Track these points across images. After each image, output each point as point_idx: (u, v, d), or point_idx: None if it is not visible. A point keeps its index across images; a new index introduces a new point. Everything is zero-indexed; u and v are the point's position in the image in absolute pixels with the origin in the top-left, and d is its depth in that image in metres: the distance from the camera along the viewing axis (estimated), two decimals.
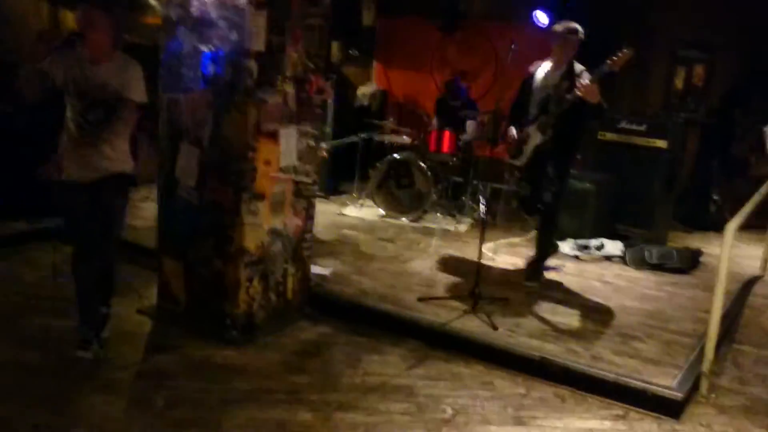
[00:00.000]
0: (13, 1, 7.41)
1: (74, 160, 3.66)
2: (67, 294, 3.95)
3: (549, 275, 5.43)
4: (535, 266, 5.31)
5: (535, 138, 5.02)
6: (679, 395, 3.59)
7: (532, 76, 5.14)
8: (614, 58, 4.62)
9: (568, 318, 4.57)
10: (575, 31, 4.92)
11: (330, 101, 7.96)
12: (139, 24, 9.12)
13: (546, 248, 5.38)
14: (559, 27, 4.98)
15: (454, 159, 7.07)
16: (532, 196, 5.16)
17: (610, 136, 6.78)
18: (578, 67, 4.93)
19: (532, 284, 5.18)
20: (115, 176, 3.72)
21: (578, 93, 4.66)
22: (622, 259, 6.04)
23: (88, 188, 3.68)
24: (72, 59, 3.57)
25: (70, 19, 9.05)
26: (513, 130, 5.18)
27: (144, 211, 6.31)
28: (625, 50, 4.60)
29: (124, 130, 3.72)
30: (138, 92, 3.68)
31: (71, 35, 3.63)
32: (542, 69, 5.10)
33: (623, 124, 6.74)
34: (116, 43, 3.69)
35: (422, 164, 6.79)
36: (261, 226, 4.05)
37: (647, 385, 3.64)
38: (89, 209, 3.72)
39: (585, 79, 4.70)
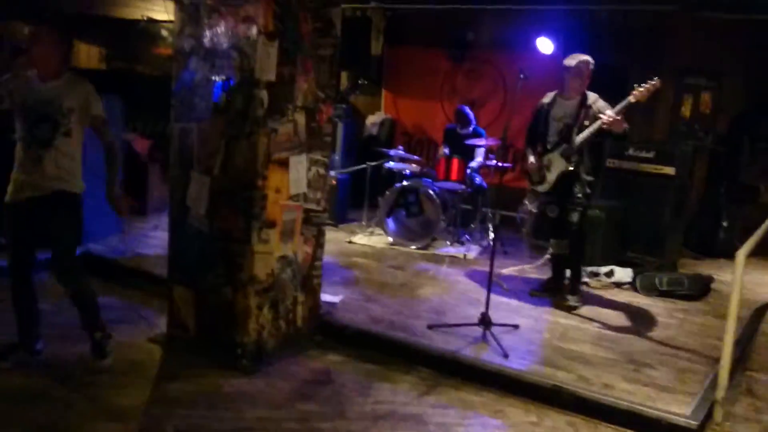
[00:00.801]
0: None
1: (19, 182, 3.71)
2: (73, 320, 3.96)
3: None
4: (575, 284, 5.44)
5: (560, 165, 5.19)
6: (693, 423, 3.55)
7: (545, 105, 5.32)
8: (640, 89, 4.82)
9: (579, 345, 4.54)
10: (588, 63, 5.12)
11: (339, 130, 8.04)
12: (152, 55, 9.29)
13: (579, 265, 5.49)
14: (572, 60, 5.14)
15: (463, 186, 7.10)
16: (559, 218, 5.31)
17: (618, 163, 6.80)
18: (591, 95, 5.15)
19: (574, 299, 5.32)
20: (58, 194, 3.72)
21: (603, 126, 4.88)
22: (633, 286, 6.01)
23: (30, 207, 3.71)
24: (22, 79, 3.70)
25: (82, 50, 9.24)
26: (533, 159, 5.34)
27: (154, 239, 6.35)
28: (651, 82, 4.80)
29: (71, 148, 3.74)
30: (99, 107, 3.80)
31: (12, 49, 3.78)
32: (556, 99, 5.29)
33: (631, 152, 6.77)
34: (65, 62, 3.77)
35: (431, 192, 6.82)
36: (271, 253, 4.06)
37: (661, 414, 3.61)
38: (30, 229, 3.75)
39: (608, 110, 4.89)
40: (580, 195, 5.18)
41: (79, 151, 3.80)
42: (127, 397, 3.62)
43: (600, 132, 4.98)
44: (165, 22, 8.79)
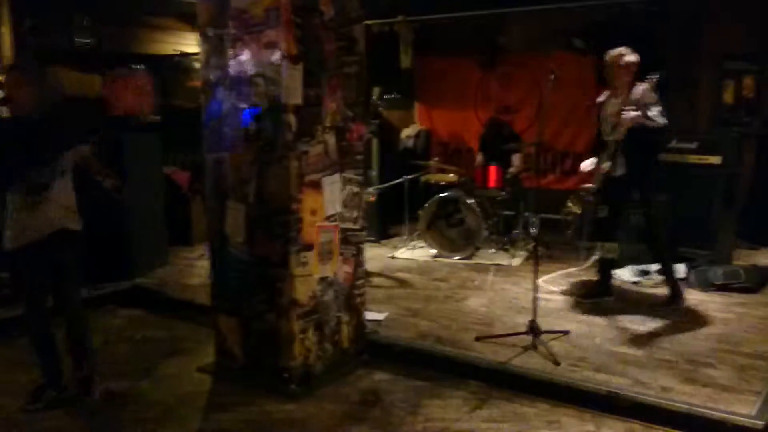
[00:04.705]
0: None
1: (19, 228, 3.71)
2: (125, 357, 4.01)
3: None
4: (671, 283, 5.32)
5: (605, 165, 5.09)
6: (759, 423, 3.38)
7: (601, 105, 5.22)
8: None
9: (633, 348, 4.40)
10: (618, 56, 4.97)
11: (374, 146, 8.03)
12: (186, 88, 9.43)
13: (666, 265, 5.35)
14: (606, 56, 5.03)
15: (503, 193, 7.00)
16: (609, 220, 5.19)
17: (661, 156, 6.61)
18: (638, 89, 4.93)
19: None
20: (61, 233, 3.76)
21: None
22: (686, 282, 5.82)
23: (33, 251, 3.72)
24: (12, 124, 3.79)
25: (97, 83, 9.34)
26: (588, 162, 5.31)
27: (200, 269, 6.41)
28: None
29: (68, 187, 3.81)
30: (86, 146, 3.90)
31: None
32: (609, 97, 5.18)
33: (674, 144, 6.57)
34: (45, 100, 3.78)
35: (470, 201, 6.74)
36: (311, 276, 4.06)
37: (724, 415, 3.46)
38: (40, 271, 3.79)
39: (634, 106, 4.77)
40: (640, 198, 5.13)
41: (72, 189, 3.85)
42: (178, 429, 3.64)
43: (632, 127, 4.80)
44: (196, 54, 8.93)
